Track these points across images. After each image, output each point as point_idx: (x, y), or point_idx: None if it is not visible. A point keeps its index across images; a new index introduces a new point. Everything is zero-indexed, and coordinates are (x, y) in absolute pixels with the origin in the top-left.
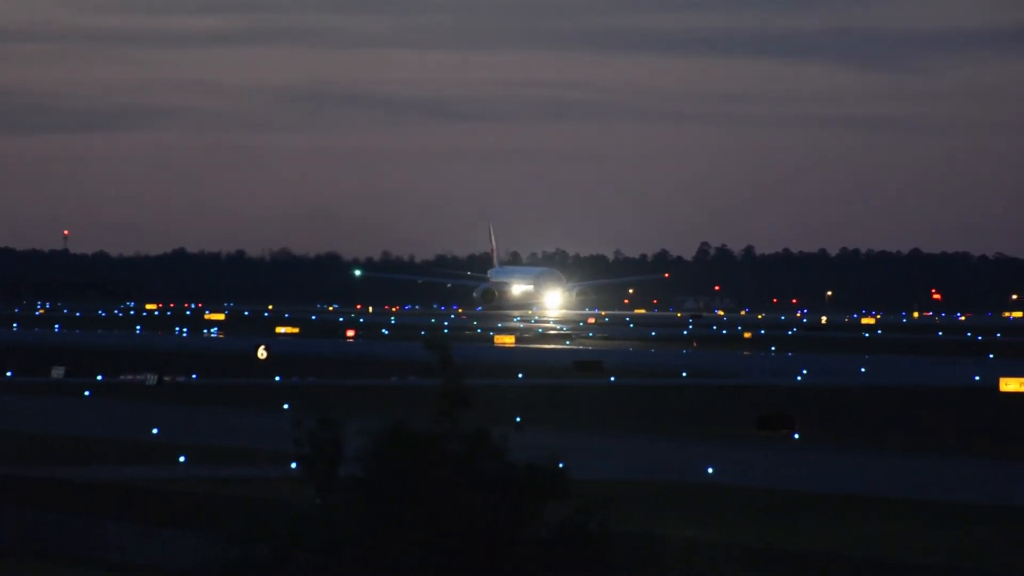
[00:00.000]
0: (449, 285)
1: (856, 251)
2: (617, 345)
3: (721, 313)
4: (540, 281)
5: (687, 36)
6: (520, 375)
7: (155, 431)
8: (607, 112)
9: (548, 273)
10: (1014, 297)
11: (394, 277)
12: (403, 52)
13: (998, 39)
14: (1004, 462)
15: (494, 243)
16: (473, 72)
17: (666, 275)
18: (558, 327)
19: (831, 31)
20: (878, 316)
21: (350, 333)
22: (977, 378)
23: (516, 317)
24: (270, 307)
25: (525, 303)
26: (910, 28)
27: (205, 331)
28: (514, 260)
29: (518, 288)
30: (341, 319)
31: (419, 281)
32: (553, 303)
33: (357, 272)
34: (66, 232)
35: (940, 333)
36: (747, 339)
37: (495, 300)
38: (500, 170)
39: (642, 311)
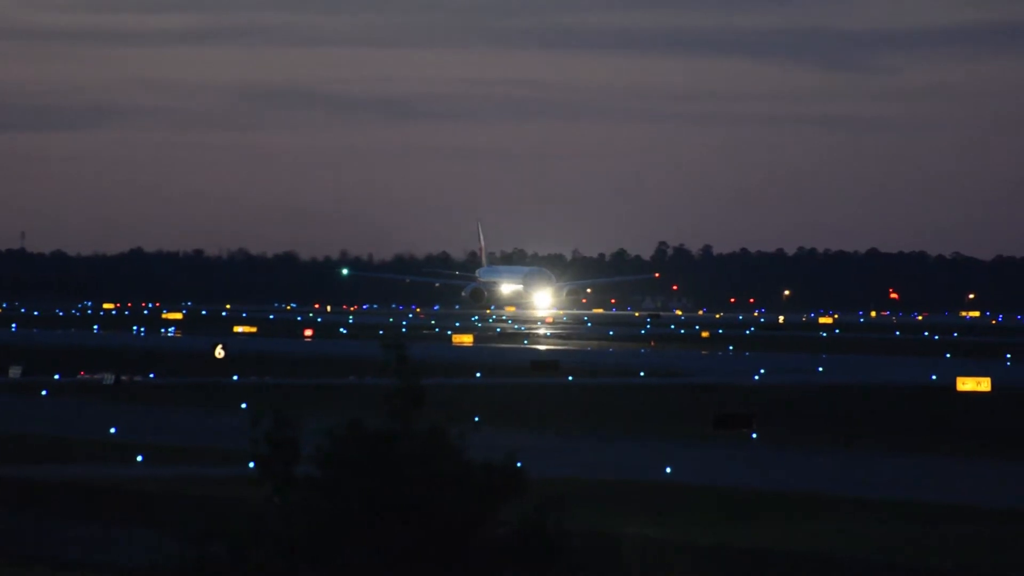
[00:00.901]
0: (437, 284)
1: (813, 250)
2: (575, 344)
3: (679, 312)
4: (530, 280)
5: (648, 35)
6: (478, 374)
7: (112, 430)
8: (566, 111)
9: (538, 272)
10: (971, 296)
11: (383, 276)
12: (360, 50)
13: (959, 39)
14: (961, 461)
15: (482, 242)
16: (431, 71)
17: (656, 275)
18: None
19: (791, 30)
20: (835, 315)
21: (308, 332)
22: (934, 377)
23: (505, 316)
24: (228, 306)
25: (515, 303)
26: (870, 28)
27: (163, 330)
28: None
29: (507, 287)
30: (299, 318)
31: (407, 280)
32: (543, 303)
33: (345, 271)
34: (23, 231)
35: (897, 332)
36: (705, 338)
37: (484, 300)
38: (459, 169)
39: (600, 311)
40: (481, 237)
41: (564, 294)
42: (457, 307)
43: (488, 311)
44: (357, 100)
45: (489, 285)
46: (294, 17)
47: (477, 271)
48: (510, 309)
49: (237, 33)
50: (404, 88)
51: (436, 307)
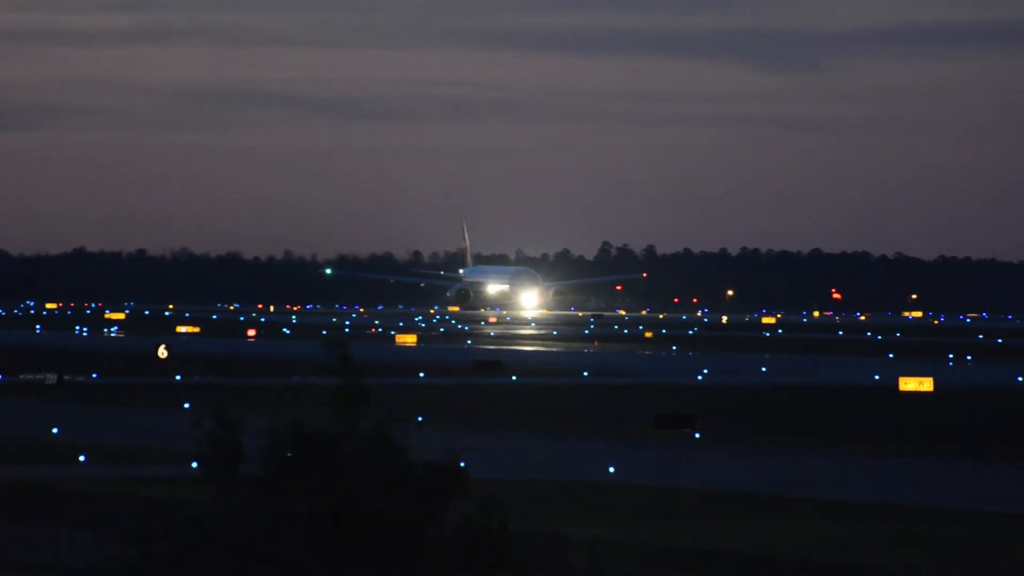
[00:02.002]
0: (423, 285)
1: (756, 251)
2: (519, 344)
3: (622, 312)
4: (516, 281)
5: (597, 35)
6: (421, 374)
7: (55, 430)
8: (513, 111)
9: (524, 272)
10: (913, 297)
11: (368, 276)
12: (309, 51)
13: (907, 39)
14: (904, 461)
15: (467, 242)
16: (378, 71)
17: (643, 275)
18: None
19: (736, 31)
20: (779, 316)
21: (251, 332)
22: (877, 377)
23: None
24: (171, 306)
25: (500, 303)
26: (814, 29)
27: (105, 330)
28: (416, 260)
29: (493, 288)
30: (242, 318)
31: (391, 280)
32: (529, 303)
33: (328, 271)
34: None
35: (840, 333)
36: (648, 338)
37: (470, 300)
38: (404, 169)
39: (544, 311)
40: (466, 237)
41: (551, 294)
42: (436, 307)
43: (473, 311)
44: (307, 100)
45: (475, 285)
46: (243, 17)
47: (462, 271)
48: (499, 315)
49: (184, 33)
50: (353, 88)
51: (380, 307)
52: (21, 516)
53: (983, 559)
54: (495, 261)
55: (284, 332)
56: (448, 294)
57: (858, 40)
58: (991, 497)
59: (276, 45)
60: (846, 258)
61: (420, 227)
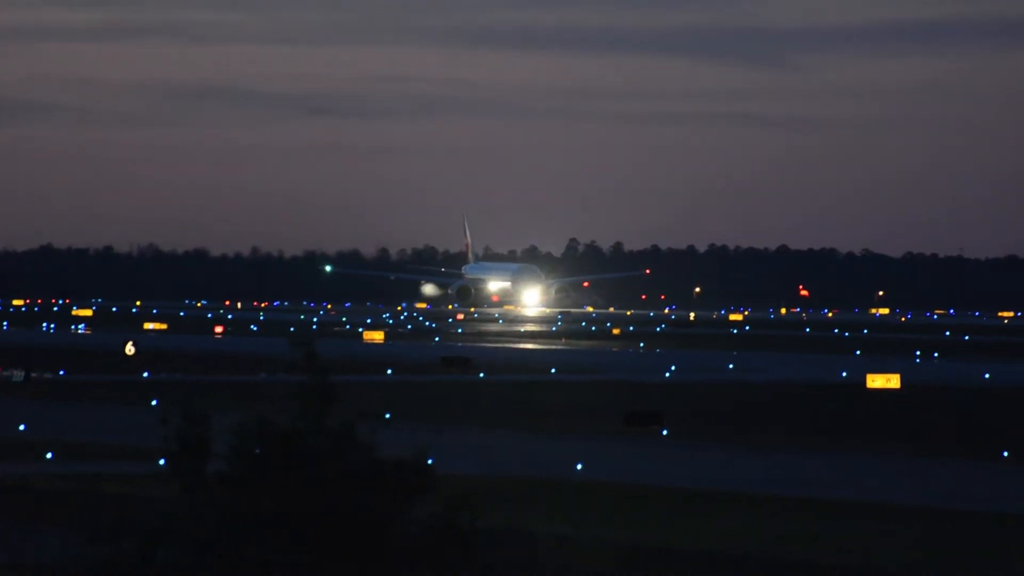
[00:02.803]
0: (423, 282)
1: (724, 247)
2: (487, 341)
3: (590, 309)
4: (518, 278)
5: (563, 33)
6: (389, 371)
7: (22, 427)
8: (483, 108)
9: (527, 270)
10: (880, 294)
11: (366, 274)
12: (276, 48)
13: (871, 37)
14: (871, 457)
15: (469, 239)
16: (345, 68)
17: (647, 271)
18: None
19: (707, 28)
20: (746, 312)
21: (218, 329)
22: (844, 374)
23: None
24: (138, 303)
25: (503, 301)
26: (784, 26)
27: (73, 327)
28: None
29: (495, 285)
30: (209, 315)
31: (392, 278)
32: (532, 301)
33: (328, 268)
34: None
35: (808, 329)
36: (616, 335)
37: (471, 298)
38: (371, 166)
39: (511, 307)
40: (467, 233)
41: (553, 292)
42: (430, 306)
43: (472, 309)
44: (274, 96)
45: (476, 282)
46: (211, 14)
47: (464, 268)
48: (510, 307)
49: (152, 31)
50: (321, 85)
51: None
52: None
53: (946, 555)
54: (458, 260)
55: (252, 329)
56: (449, 291)
57: (826, 38)
58: (957, 494)
59: (243, 42)
60: (813, 254)
61: (388, 224)
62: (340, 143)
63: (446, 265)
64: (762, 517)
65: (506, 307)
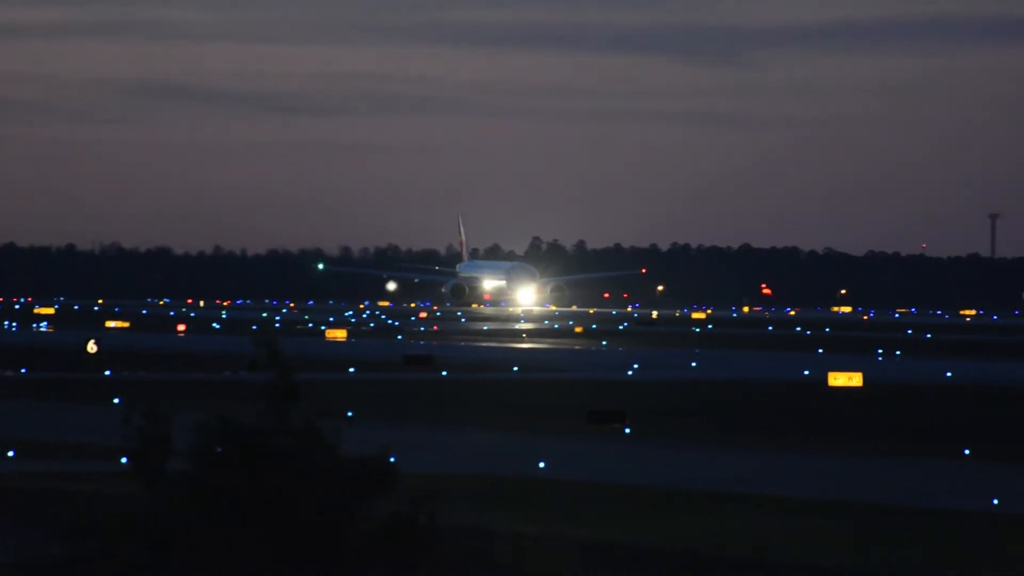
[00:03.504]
0: (416, 280)
1: (687, 245)
2: (449, 340)
3: (553, 308)
4: (513, 276)
5: (526, 31)
6: (351, 369)
7: None
8: (442, 106)
9: (521, 268)
10: (843, 292)
11: (360, 271)
12: (236, 46)
13: (833, 36)
14: (832, 455)
15: (463, 237)
16: (305, 66)
17: (643, 270)
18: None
19: (668, 27)
20: (709, 311)
21: (181, 327)
22: (806, 372)
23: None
24: (100, 301)
25: (497, 299)
26: (745, 24)
27: (35, 325)
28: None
29: (490, 283)
30: (172, 313)
31: (384, 276)
32: (527, 299)
33: (320, 266)
34: None
35: (770, 328)
36: (578, 333)
37: (466, 296)
38: (332, 163)
39: (475, 306)
40: (462, 232)
41: (548, 290)
42: (427, 303)
43: (474, 307)
44: (235, 95)
45: (470, 281)
46: (171, 12)
47: (458, 266)
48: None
49: (112, 29)
50: (281, 83)
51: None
52: None
53: (907, 553)
54: (426, 257)
55: (214, 327)
56: (443, 290)
57: (788, 36)
58: (919, 492)
59: (204, 40)
60: (776, 253)
61: (351, 222)
62: (300, 140)
63: (409, 263)
64: (724, 515)
65: (497, 306)
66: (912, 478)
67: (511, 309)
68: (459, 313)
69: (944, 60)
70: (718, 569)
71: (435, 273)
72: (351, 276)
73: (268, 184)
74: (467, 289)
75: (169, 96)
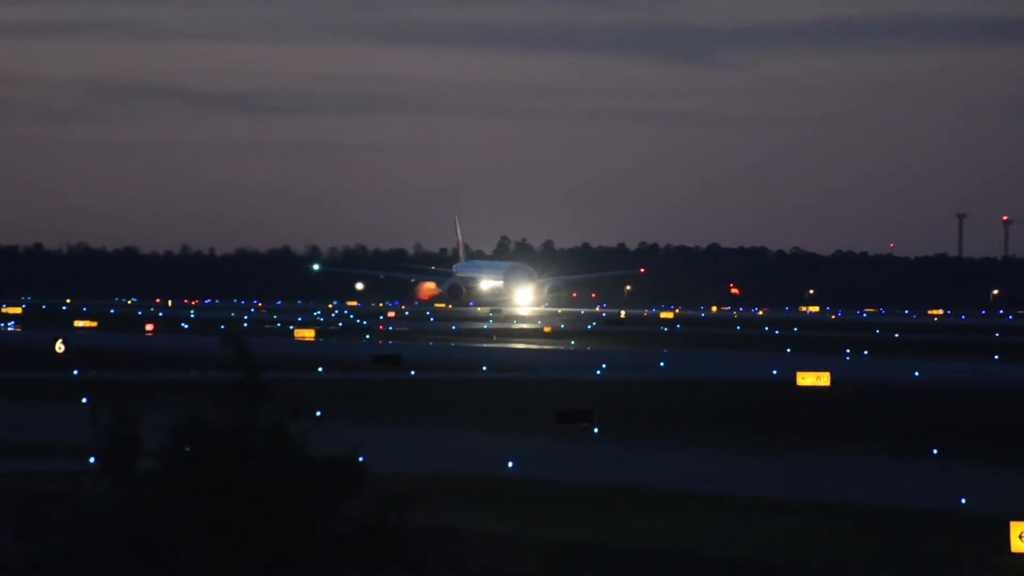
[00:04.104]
0: (413, 280)
1: (655, 245)
2: (418, 339)
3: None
4: (511, 276)
5: (498, 30)
6: (320, 369)
7: None
8: (410, 105)
9: (519, 268)
10: (811, 292)
11: (355, 272)
12: (204, 44)
13: (803, 35)
14: (800, 455)
15: (460, 237)
16: (277, 65)
17: (641, 270)
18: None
19: (636, 25)
20: (677, 310)
21: (149, 327)
22: (775, 372)
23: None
24: (68, 300)
25: (494, 299)
26: (714, 23)
27: (2, 324)
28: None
29: (487, 284)
30: (140, 313)
31: (381, 276)
32: (524, 299)
33: (316, 266)
34: None
35: (738, 327)
36: (547, 333)
37: (463, 296)
38: (303, 163)
39: (442, 305)
40: (459, 232)
41: (546, 291)
42: (418, 303)
43: (472, 308)
44: (203, 94)
45: (467, 281)
46: (139, 11)
47: (454, 267)
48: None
49: (84, 27)
50: (249, 82)
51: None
52: None
53: (875, 552)
54: (394, 257)
55: (182, 327)
56: (441, 290)
57: (756, 36)
58: (886, 491)
59: (172, 39)
60: (744, 252)
61: (320, 221)
62: (271, 140)
63: (376, 263)
64: (692, 514)
65: (493, 306)
66: (880, 477)
67: (506, 310)
68: (427, 313)
69: (911, 60)
70: (687, 568)
71: (432, 273)
72: (347, 276)
73: (237, 183)
74: (464, 289)
75: (136, 95)
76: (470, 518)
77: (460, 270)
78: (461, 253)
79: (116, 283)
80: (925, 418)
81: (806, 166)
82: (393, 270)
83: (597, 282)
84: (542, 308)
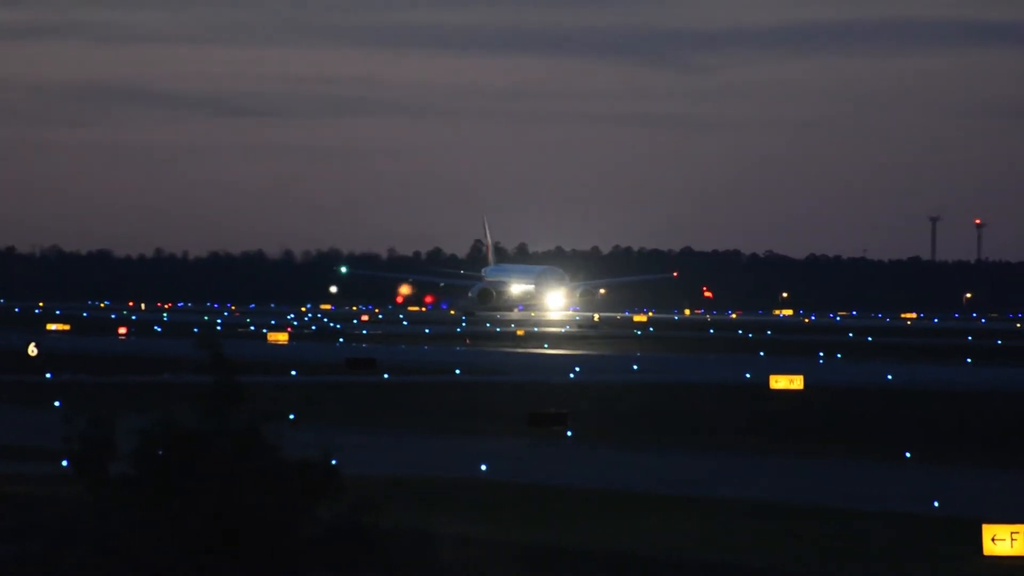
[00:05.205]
0: (442, 284)
1: (628, 248)
2: (391, 342)
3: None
4: (542, 280)
5: (472, 33)
6: (293, 372)
7: None
8: (386, 108)
9: (550, 272)
10: (784, 295)
11: (383, 276)
12: (181, 47)
13: (775, 38)
14: (774, 459)
15: (489, 239)
16: (253, 68)
17: (674, 274)
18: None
19: (609, 29)
20: (650, 313)
21: (122, 330)
22: (748, 375)
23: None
24: (41, 304)
25: (525, 304)
26: (685, 26)
27: None
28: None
29: (517, 288)
30: (113, 316)
31: (410, 280)
32: (555, 304)
33: (343, 269)
34: None
35: (712, 331)
36: (520, 336)
37: (492, 301)
38: (280, 166)
39: (415, 308)
40: (488, 234)
41: (578, 294)
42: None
43: (496, 313)
44: (178, 97)
45: (497, 285)
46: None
47: (483, 270)
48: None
49: (58, 30)
50: (225, 85)
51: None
52: None
53: (847, 556)
54: (370, 260)
55: (155, 330)
56: (469, 294)
57: (728, 39)
58: (860, 495)
59: (147, 42)
60: (717, 256)
61: (292, 225)
62: (246, 143)
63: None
64: (665, 517)
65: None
66: (853, 480)
67: (532, 314)
68: (400, 316)
69: (884, 65)
70: (659, 571)
71: (461, 277)
72: (377, 280)
73: (211, 187)
74: (494, 293)
75: (110, 98)
76: (443, 521)
77: (490, 274)
78: (490, 256)
79: (89, 286)
80: (898, 421)
81: (779, 169)
82: (422, 274)
83: (629, 286)
84: (570, 312)
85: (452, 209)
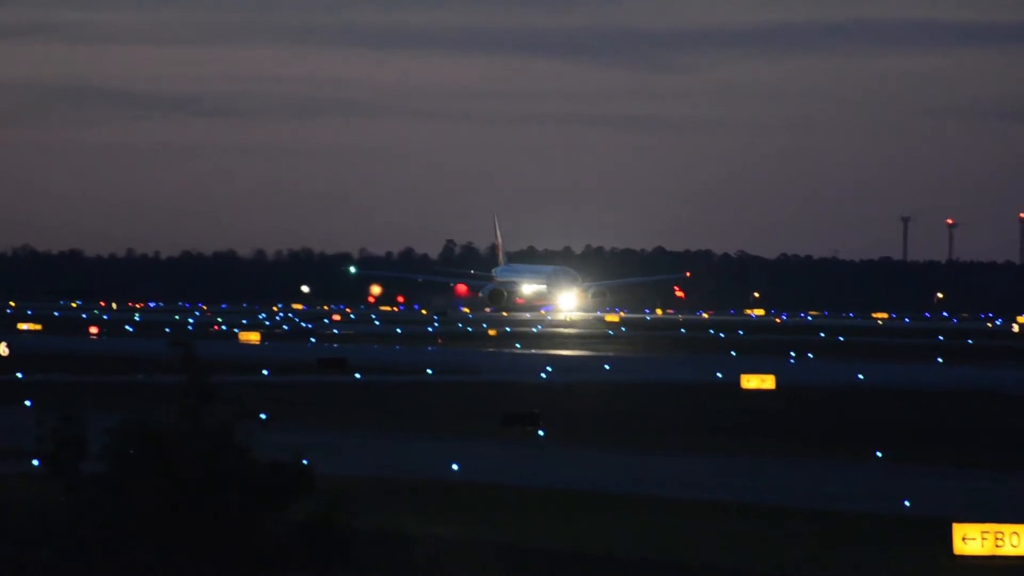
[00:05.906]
0: (452, 283)
1: (600, 248)
2: (362, 342)
3: (467, 310)
4: (553, 280)
5: (449, 34)
6: (265, 372)
7: None
8: (352, 109)
9: (562, 272)
10: (755, 295)
11: (394, 276)
12: (146, 48)
13: (756, 39)
14: (746, 458)
15: (499, 239)
16: (220, 68)
17: (687, 273)
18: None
19: (590, 29)
20: (622, 313)
21: (94, 330)
22: (719, 375)
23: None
24: (12, 303)
25: (536, 304)
26: (665, 27)
27: None
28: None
29: (529, 288)
30: (85, 316)
31: (419, 280)
32: (568, 304)
33: (352, 269)
34: None
35: (683, 331)
36: (492, 336)
37: (504, 301)
38: (246, 167)
39: (387, 308)
40: (498, 234)
41: (590, 295)
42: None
43: (506, 313)
44: (145, 97)
45: (508, 285)
46: (82, 14)
47: (494, 270)
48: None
49: (25, 30)
50: (192, 85)
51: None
52: None
53: (820, 554)
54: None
55: (127, 329)
56: (480, 294)
57: (701, 40)
58: (831, 494)
59: (114, 42)
60: (689, 255)
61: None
62: (211, 143)
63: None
64: (637, 517)
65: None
66: (824, 479)
67: (544, 314)
68: (372, 316)
69: (856, 65)
70: (633, 571)
71: (472, 277)
72: (388, 280)
73: (178, 187)
74: (505, 293)
75: (79, 98)
76: (415, 521)
77: (500, 274)
78: (500, 256)
79: (60, 286)
80: (869, 421)
81: (751, 169)
82: (433, 274)
83: (642, 286)
84: (586, 312)
85: (422, 208)
